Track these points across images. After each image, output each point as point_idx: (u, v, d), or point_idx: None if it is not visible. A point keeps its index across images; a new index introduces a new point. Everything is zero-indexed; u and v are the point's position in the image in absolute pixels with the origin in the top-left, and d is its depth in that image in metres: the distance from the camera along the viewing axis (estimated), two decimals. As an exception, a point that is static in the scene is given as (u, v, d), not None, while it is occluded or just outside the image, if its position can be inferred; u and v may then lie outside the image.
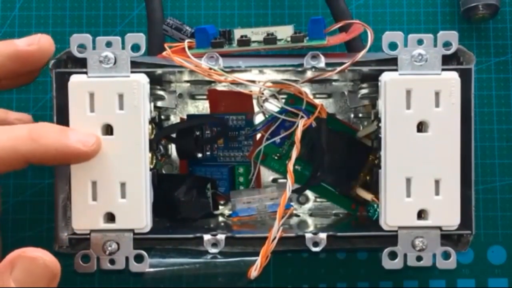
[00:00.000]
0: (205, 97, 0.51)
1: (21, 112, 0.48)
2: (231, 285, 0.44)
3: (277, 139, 0.49)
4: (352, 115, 0.51)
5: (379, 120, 0.41)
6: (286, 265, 0.52)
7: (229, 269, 0.43)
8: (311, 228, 0.46)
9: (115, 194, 0.40)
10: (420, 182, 0.40)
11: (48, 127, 0.39)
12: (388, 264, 0.41)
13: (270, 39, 0.42)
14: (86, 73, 0.41)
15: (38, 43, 0.40)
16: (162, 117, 0.50)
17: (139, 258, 0.41)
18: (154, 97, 0.46)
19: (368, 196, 0.46)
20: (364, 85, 0.47)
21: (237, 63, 0.42)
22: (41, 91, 0.53)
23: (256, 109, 0.51)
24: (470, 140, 0.41)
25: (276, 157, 0.50)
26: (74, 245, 0.42)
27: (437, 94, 0.40)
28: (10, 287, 0.34)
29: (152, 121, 0.42)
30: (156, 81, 0.47)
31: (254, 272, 0.40)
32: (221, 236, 0.42)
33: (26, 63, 0.41)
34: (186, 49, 0.42)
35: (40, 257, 0.35)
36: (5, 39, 0.41)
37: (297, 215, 0.51)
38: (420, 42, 0.41)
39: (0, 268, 0.35)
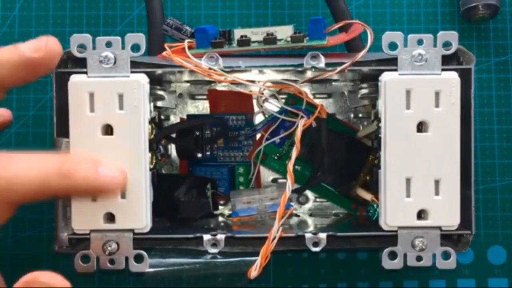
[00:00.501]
0: (205, 97, 0.51)
1: (1, 108, 0.46)
2: (231, 285, 0.44)
3: (277, 139, 0.49)
4: (352, 115, 0.51)
5: (379, 120, 0.41)
6: (286, 265, 0.52)
7: (229, 269, 0.43)
8: (311, 228, 0.46)
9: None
10: (420, 182, 0.40)
11: (79, 161, 0.37)
12: (388, 264, 0.41)
13: (270, 39, 0.42)
14: (86, 73, 0.41)
15: (46, 48, 0.38)
16: (162, 117, 0.50)
17: (139, 258, 0.41)
18: (154, 97, 0.46)
19: (368, 196, 0.46)
20: (364, 85, 0.47)
21: (237, 63, 0.42)
22: (41, 91, 0.53)
23: (256, 109, 0.51)
24: (470, 140, 0.41)
25: (276, 157, 0.50)
26: (74, 245, 0.42)
27: (437, 94, 0.40)
28: None
29: (152, 121, 0.42)
30: (156, 81, 0.47)
31: (254, 272, 0.40)
32: (221, 236, 0.42)
33: (34, 71, 0.38)
34: (186, 49, 0.42)
35: (52, 283, 0.34)
36: (5, 40, 0.40)
37: (297, 215, 0.51)
38: (420, 42, 0.41)
39: None
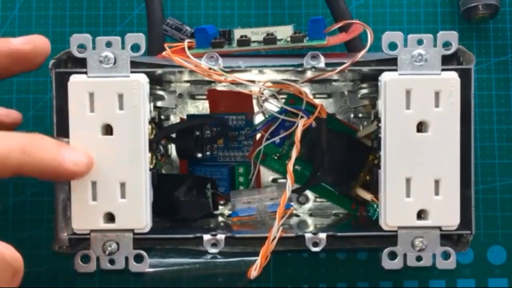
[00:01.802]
0: (205, 97, 0.51)
1: (9, 109, 0.47)
2: (231, 285, 0.44)
3: (277, 139, 0.49)
4: (352, 115, 0.51)
5: (379, 120, 0.41)
6: (286, 265, 0.52)
7: (229, 269, 0.43)
8: (311, 228, 0.46)
9: (115, 194, 0.40)
10: (419, 182, 0.40)
11: (43, 141, 0.38)
12: (388, 264, 0.41)
13: (270, 39, 0.42)
14: (86, 73, 0.41)
15: (33, 43, 0.40)
16: (162, 117, 0.50)
17: (138, 258, 0.41)
18: (154, 97, 0.46)
19: (368, 196, 0.46)
20: (364, 85, 0.47)
21: (237, 63, 0.42)
22: (41, 91, 0.53)
23: (256, 109, 0.51)
24: (470, 140, 0.41)
25: (276, 157, 0.50)
26: (74, 245, 0.42)
27: (436, 94, 0.40)
28: None
29: (152, 121, 0.42)
30: (156, 81, 0.47)
31: (254, 272, 0.40)
32: (221, 236, 0.42)
33: (19, 62, 0.40)
34: (186, 49, 0.42)
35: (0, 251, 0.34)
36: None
37: (297, 215, 0.51)
38: (420, 42, 0.41)
39: None
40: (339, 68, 0.41)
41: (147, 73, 0.41)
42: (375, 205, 0.45)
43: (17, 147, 0.36)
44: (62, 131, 0.41)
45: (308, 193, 0.52)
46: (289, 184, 0.42)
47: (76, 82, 0.40)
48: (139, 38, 0.41)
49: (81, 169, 0.39)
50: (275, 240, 0.41)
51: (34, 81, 0.53)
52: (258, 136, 0.50)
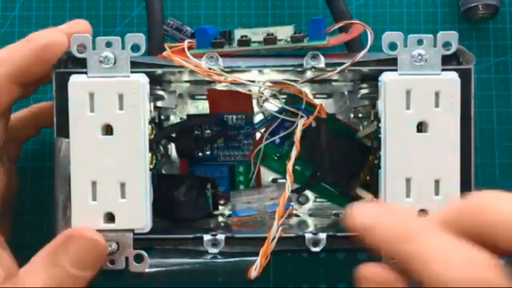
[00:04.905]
0: (205, 97, 0.51)
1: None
2: (231, 285, 0.44)
3: (276, 138, 0.49)
4: (352, 115, 0.51)
5: (379, 120, 0.41)
6: (286, 265, 0.52)
7: (229, 269, 0.43)
8: (311, 228, 0.46)
9: (115, 194, 0.40)
10: (419, 182, 0.40)
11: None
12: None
13: (270, 39, 0.42)
14: (86, 73, 0.41)
15: (79, 25, 0.43)
16: (162, 117, 0.50)
17: (139, 258, 0.41)
18: (154, 97, 0.46)
19: (368, 196, 0.46)
20: (364, 85, 0.47)
21: (237, 63, 0.42)
22: (41, 91, 0.53)
23: (256, 109, 0.51)
24: (470, 140, 0.41)
25: (276, 157, 0.50)
26: (74, 245, 0.42)
27: (436, 94, 0.40)
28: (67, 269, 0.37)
29: (152, 121, 0.42)
30: (156, 81, 0.47)
31: (254, 272, 0.40)
32: (220, 236, 0.42)
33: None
34: (186, 49, 0.42)
35: (93, 237, 0.38)
36: (5, 40, 0.41)
37: (297, 215, 0.51)
38: (420, 42, 0.41)
39: (52, 250, 0.38)
40: (339, 68, 0.41)
41: (147, 73, 0.41)
42: (375, 205, 0.45)
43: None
44: (62, 131, 0.41)
45: (308, 193, 0.52)
46: (289, 184, 0.42)
47: (76, 82, 0.40)
48: (139, 38, 0.41)
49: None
50: (275, 240, 0.41)
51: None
52: (258, 135, 0.50)
